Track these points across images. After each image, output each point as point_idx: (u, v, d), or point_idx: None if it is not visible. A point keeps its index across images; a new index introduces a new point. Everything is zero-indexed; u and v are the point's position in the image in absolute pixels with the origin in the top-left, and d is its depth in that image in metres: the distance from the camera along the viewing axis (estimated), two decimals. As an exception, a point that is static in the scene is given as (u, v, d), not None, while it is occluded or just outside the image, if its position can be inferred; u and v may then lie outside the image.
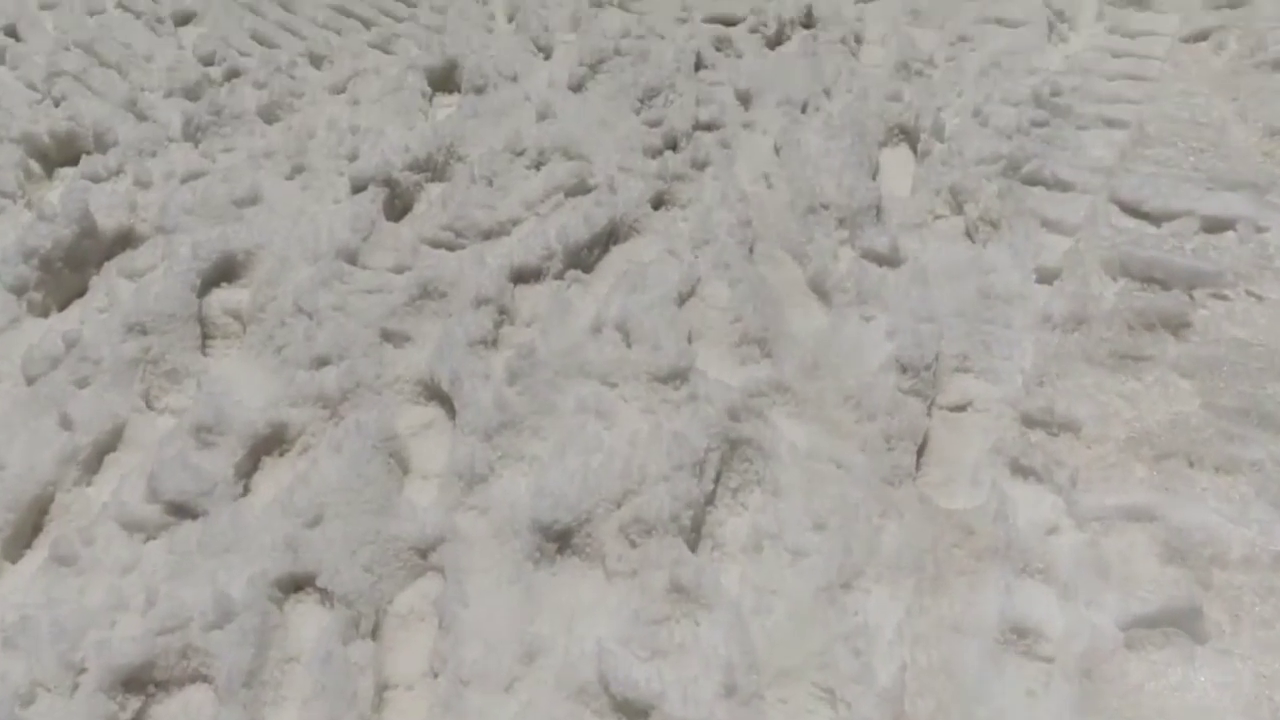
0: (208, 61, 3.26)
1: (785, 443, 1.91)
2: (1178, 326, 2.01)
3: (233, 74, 3.19)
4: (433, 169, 2.70)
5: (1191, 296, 2.09)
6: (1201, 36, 3.36)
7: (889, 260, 2.37)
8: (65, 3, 3.60)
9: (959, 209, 2.59)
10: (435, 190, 2.65)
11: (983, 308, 2.20)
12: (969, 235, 2.52)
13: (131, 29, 3.42)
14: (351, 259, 2.33)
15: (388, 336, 2.16)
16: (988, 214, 2.49)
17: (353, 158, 2.66)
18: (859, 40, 3.64)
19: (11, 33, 3.36)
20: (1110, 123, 2.91)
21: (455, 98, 3.19)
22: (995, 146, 2.72)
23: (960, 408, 2.05)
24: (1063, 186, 2.58)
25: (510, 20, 3.78)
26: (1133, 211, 2.39)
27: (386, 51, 3.38)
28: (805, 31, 3.75)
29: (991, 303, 2.21)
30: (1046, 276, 2.25)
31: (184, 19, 3.58)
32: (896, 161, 2.89)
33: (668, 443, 1.85)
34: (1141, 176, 2.50)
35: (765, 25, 3.62)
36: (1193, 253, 2.17)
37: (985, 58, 3.41)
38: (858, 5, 3.97)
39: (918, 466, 1.92)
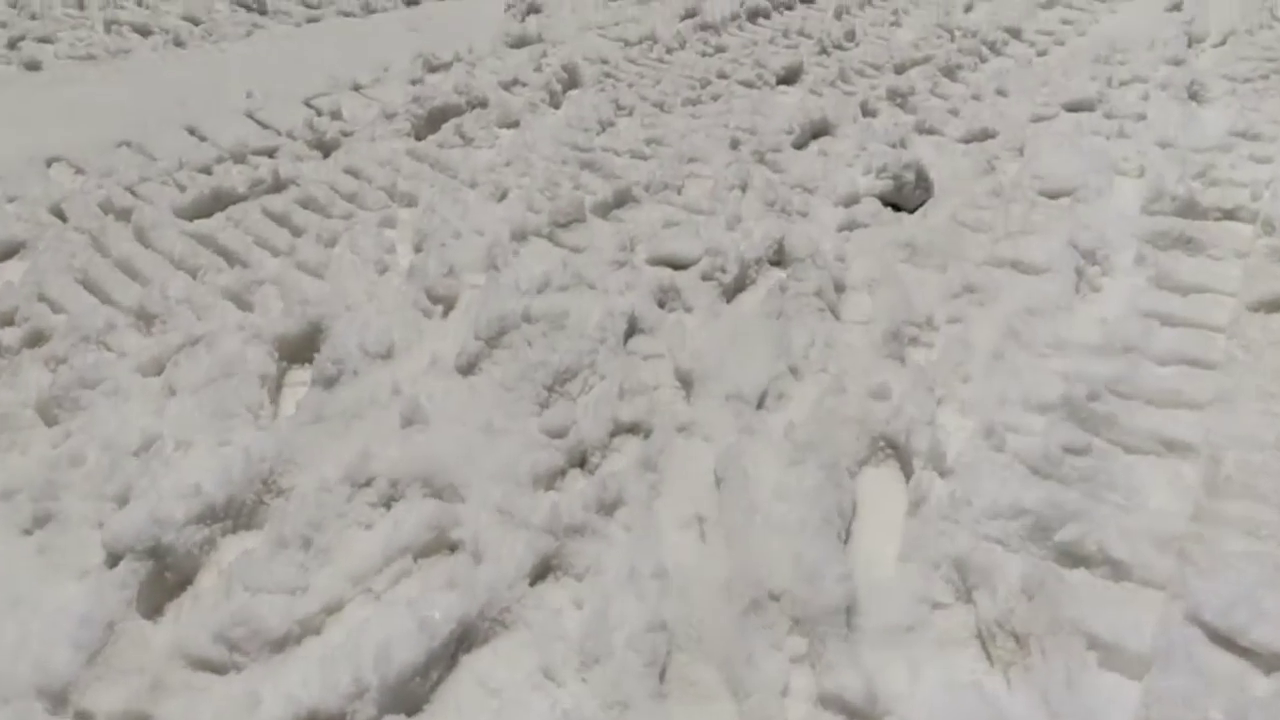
0: (6, 320, 2.64)
1: None
2: None
3: (33, 339, 2.57)
4: (236, 515, 2.01)
5: None
6: (1276, 305, 2.73)
7: (863, 714, 1.64)
8: None
9: (967, 596, 1.87)
10: (231, 551, 1.95)
11: (1007, 829, 1.45)
12: (982, 645, 1.79)
13: (-72, 271, 2.84)
14: (58, 702, 1.61)
15: None
16: (1008, 620, 1.77)
17: (122, 501, 1.98)
18: (840, 288, 3.02)
19: None
20: (1170, 445, 2.23)
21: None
22: (1017, 492, 2.02)
23: None
24: (1116, 571, 1.88)
25: (417, 251, 3.19)
26: (1226, 644, 1.67)
27: (241, 305, 2.77)
28: (774, 272, 3.15)
29: (1021, 822, 1.46)
30: (1106, 774, 1.51)
31: (5, 253, 2.99)
32: (880, 494, 2.19)
33: None
34: (1229, 575, 1.78)
35: (723, 270, 3.01)
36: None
37: (999, 321, 2.78)
38: (841, 234, 3.39)
39: None
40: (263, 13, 5.11)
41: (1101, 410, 2.31)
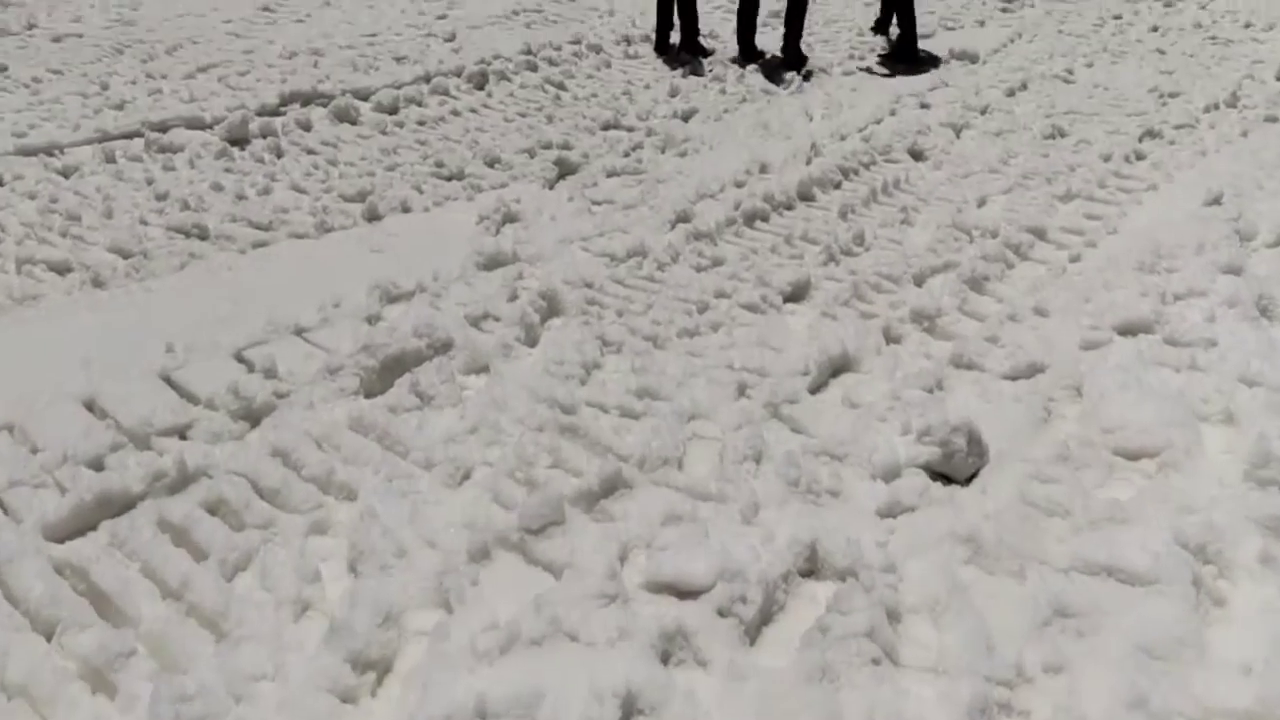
0: None
1: None
2: None
3: None
4: None
5: None
6: None
7: None
8: None
9: None
10: None
11: None
12: None
13: None
14: None
15: None
16: None
17: None
18: (895, 616, 2.39)
19: None
20: None
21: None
22: None
23: None
24: None
25: (351, 570, 2.57)
26: None
27: (98, 687, 2.11)
28: (807, 587, 2.53)
29: None
30: None
31: None
32: None
33: None
34: None
35: (744, 599, 2.38)
36: None
37: (1111, 670, 2.16)
38: (884, 523, 2.79)
39: None
40: (203, 239, 4.68)
41: None
